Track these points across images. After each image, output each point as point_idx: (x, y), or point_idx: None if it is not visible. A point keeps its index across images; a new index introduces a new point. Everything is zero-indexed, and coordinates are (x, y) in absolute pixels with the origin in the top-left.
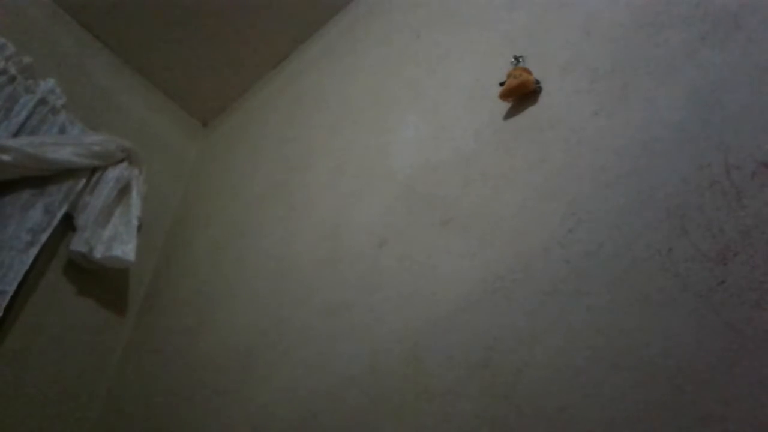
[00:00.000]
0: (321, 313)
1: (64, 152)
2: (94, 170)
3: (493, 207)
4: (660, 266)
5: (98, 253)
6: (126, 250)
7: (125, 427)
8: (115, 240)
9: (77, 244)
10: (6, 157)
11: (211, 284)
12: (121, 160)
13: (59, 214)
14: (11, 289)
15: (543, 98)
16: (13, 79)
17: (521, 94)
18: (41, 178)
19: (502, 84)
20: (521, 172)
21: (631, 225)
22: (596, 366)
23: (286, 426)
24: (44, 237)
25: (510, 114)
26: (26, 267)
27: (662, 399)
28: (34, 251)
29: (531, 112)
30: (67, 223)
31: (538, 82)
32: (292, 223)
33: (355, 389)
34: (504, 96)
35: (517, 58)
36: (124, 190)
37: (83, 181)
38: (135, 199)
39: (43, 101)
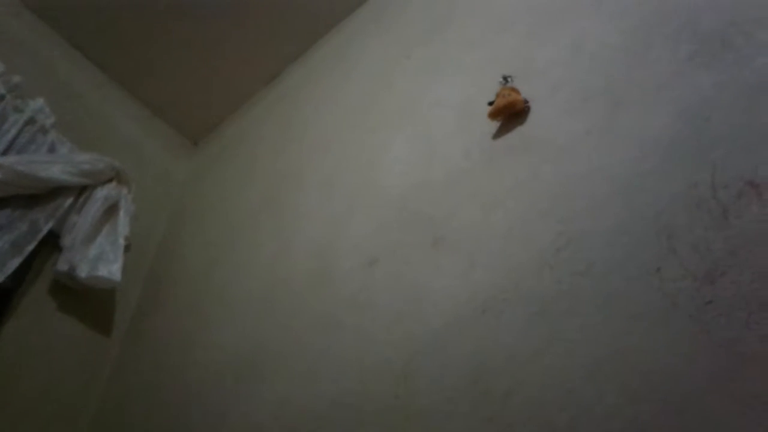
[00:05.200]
0: (311, 332)
1: (53, 170)
2: (82, 189)
3: (483, 226)
4: (650, 286)
5: (83, 272)
6: (112, 269)
7: None
8: (101, 260)
9: (62, 263)
10: None
11: (201, 303)
12: (110, 180)
13: (45, 229)
14: None
15: (532, 117)
16: (2, 98)
17: (510, 114)
18: (30, 196)
19: (490, 103)
20: (511, 192)
21: (621, 244)
22: (587, 386)
23: None
24: (28, 249)
25: (499, 133)
26: (6, 274)
27: (653, 418)
28: (16, 262)
29: (520, 132)
30: (54, 243)
31: (526, 101)
32: (282, 242)
33: (345, 408)
34: (492, 115)
35: (505, 78)
36: (111, 210)
37: (71, 199)
38: (123, 218)
39: (31, 120)
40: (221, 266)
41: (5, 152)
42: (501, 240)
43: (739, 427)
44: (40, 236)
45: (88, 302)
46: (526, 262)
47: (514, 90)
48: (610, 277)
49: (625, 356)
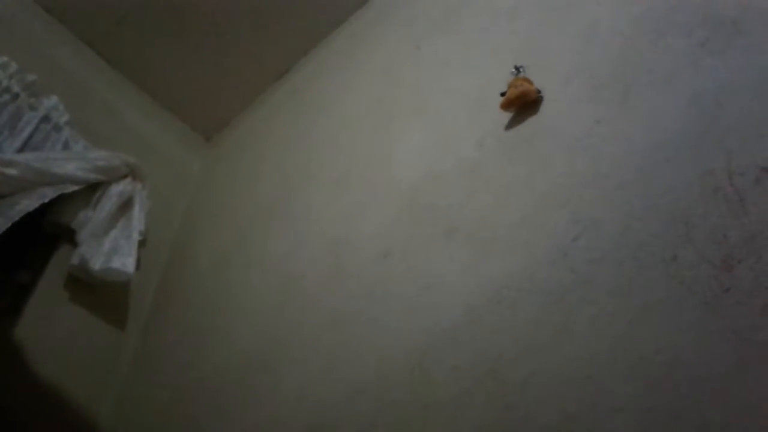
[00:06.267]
0: (326, 325)
1: (68, 167)
2: (97, 185)
3: (496, 216)
4: (665, 274)
5: (97, 265)
6: (126, 262)
7: None
8: (115, 253)
9: (77, 257)
10: (12, 172)
11: (217, 297)
12: (125, 176)
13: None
14: None
15: (544, 107)
16: (16, 96)
17: (522, 104)
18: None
19: (503, 94)
20: (524, 181)
21: (635, 233)
22: (602, 374)
23: None
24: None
25: (512, 124)
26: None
27: (668, 407)
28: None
29: (533, 122)
30: (70, 239)
31: (539, 91)
32: (296, 235)
33: (362, 400)
34: (505, 106)
35: (517, 68)
36: (126, 205)
37: (86, 196)
38: (137, 213)
39: (46, 118)
40: (235, 262)
41: (21, 149)
42: (515, 230)
43: (758, 416)
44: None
45: (103, 297)
46: (540, 252)
47: (527, 80)
48: (625, 265)
49: (642, 344)
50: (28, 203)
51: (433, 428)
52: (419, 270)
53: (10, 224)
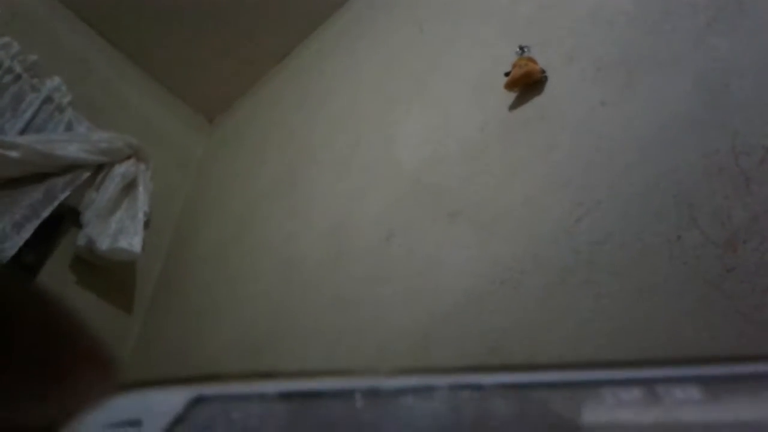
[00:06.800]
0: (329, 307)
1: (71, 149)
2: (100, 167)
3: (500, 198)
4: (669, 254)
5: (104, 245)
6: (132, 242)
7: None
8: (122, 233)
9: (83, 238)
10: (14, 154)
11: (218, 280)
12: (128, 157)
13: (62, 196)
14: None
15: (548, 88)
16: (18, 77)
17: (527, 84)
18: (48, 174)
19: (507, 74)
20: (528, 163)
21: (639, 214)
22: (606, 355)
23: None
24: (44, 214)
25: (516, 104)
26: (23, 241)
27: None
28: (34, 224)
29: (537, 102)
30: (75, 221)
31: (543, 71)
32: (298, 218)
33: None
34: (509, 86)
35: (522, 48)
36: (130, 186)
37: (89, 176)
38: (142, 194)
39: (48, 99)
40: (237, 245)
41: (23, 131)
42: (518, 211)
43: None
44: (56, 203)
45: (109, 278)
46: (543, 233)
47: (531, 60)
48: (629, 246)
49: (645, 325)
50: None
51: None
52: (422, 252)
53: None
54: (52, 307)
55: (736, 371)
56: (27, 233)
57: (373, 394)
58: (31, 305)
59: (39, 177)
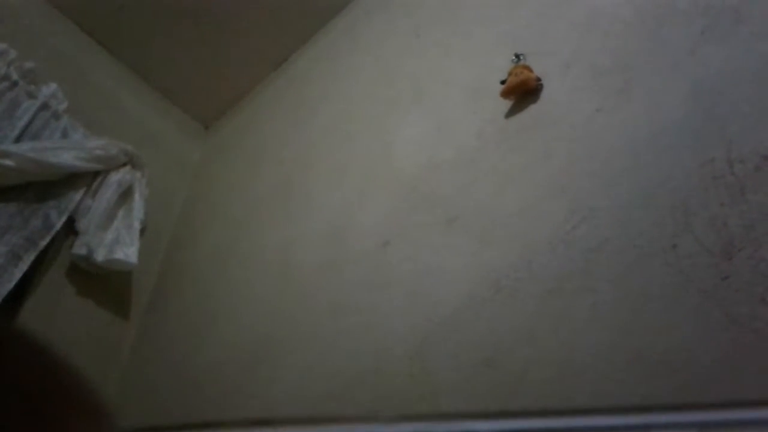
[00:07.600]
0: (325, 314)
1: (66, 156)
2: (96, 174)
3: (496, 205)
4: (664, 262)
5: (100, 256)
6: (128, 252)
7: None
8: (118, 243)
9: (79, 247)
10: (9, 163)
11: (215, 287)
12: (124, 164)
13: (59, 223)
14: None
15: (545, 95)
16: (14, 84)
17: (523, 92)
18: (43, 183)
19: (503, 82)
20: (524, 170)
21: (635, 221)
22: (601, 363)
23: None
24: (42, 243)
25: (512, 112)
26: (21, 273)
27: (667, 396)
28: (31, 257)
29: (533, 110)
30: (70, 227)
31: (539, 79)
32: (295, 224)
33: (361, 388)
34: (505, 94)
35: (518, 56)
36: (126, 194)
37: (85, 185)
38: (138, 202)
39: (44, 106)
40: (234, 251)
41: (19, 138)
42: (514, 219)
43: (756, 405)
44: (53, 232)
45: (105, 286)
46: (539, 241)
47: (527, 68)
48: (624, 254)
49: (641, 333)
50: None
51: (432, 417)
52: (418, 259)
53: None
54: (45, 357)
55: (731, 417)
56: (25, 265)
57: None
58: (22, 353)
59: (35, 190)
